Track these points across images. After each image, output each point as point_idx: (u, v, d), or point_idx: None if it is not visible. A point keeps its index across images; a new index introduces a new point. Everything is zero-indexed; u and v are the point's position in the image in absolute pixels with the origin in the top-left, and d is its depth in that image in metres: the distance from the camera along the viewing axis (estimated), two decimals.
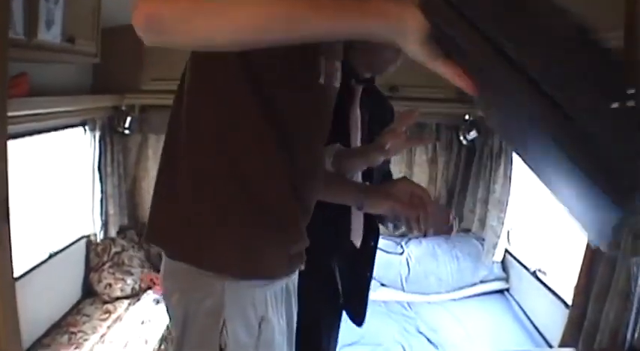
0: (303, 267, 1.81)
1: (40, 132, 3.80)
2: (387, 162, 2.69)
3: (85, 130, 4.47)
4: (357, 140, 2.57)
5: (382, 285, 4.80)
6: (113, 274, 4.62)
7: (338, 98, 1.92)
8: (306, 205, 1.73)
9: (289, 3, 1.16)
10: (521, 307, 4.51)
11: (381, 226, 2.55)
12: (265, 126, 1.54)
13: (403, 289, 4.80)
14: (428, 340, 3.96)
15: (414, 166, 5.27)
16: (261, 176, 1.56)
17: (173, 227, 1.65)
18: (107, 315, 4.31)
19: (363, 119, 2.58)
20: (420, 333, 4.02)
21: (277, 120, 1.54)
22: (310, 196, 1.73)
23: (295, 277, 1.85)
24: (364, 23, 1.15)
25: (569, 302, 3.11)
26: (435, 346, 3.92)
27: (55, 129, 4.05)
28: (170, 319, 1.77)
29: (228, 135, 1.55)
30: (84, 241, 4.69)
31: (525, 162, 1.16)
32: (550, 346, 3.72)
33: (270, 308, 1.69)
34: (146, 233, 1.74)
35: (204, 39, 1.25)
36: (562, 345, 3.00)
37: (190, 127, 1.59)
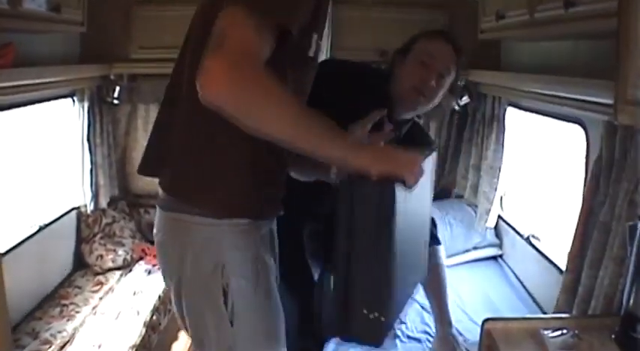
0: (282, 212, 2.10)
1: (27, 104, 3.76)
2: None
3: (74, 100, 4.44)
4: None
5: None
6: (104, 245, 4.62)
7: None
8: (283, 160, 2.04)
9: (316, 134, 1.70)
10: (514, 274, 4.50)
11: None
12: None
13: None
14: (421, 306, 3.95)
15: None
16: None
17: (187, 181, 1.95)
18: (99, 286, 4.32)
19: None
20: (414, 300, 4.00)
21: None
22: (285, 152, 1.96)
23: (274, 224, 2.17)
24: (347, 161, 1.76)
25: (563, 268, 3.09)
26: (429, 313, 3.91)
27: (43, 100, 4.01)
28: (166, 272, 2.12)
29: None
30: (74, 212, 4.67)
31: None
32: (544, 313, 3.72)
33: (262, 248, 2.04)
34: (166, 184, 2.02)
35: (251, 129, 1.65)
36: (556, 311, 2.99)
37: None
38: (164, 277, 2.19)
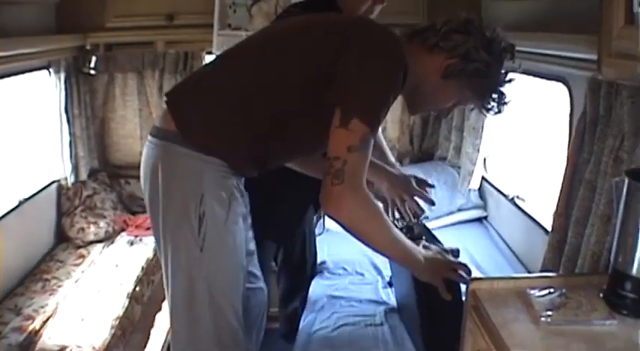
0: (255, 174, 2.53)
1: (2, 76, 3.71)
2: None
3: (50, 72, 4.36)
4: None
5: None
6: (85, 218, 4.57)
7: None
8: (269, 164, 2.53)
9: (399, 255, 2.41)
10: (500, 235, 4.49)
11: None
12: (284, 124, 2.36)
13: None
14: None
15: None
16: (265, 136, 2.38)
17: (203, 127, 2.35)
18: (81, 260, 4.29)
19: None
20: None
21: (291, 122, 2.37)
22: (275, 162, 2.57)
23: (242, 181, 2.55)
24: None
25: (549, 229, 3.08)
26: None
27: (19, 72, 3.96)
28: (153, 198, 2.40)
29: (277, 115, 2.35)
30: (54, 185, 4.64)
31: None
32: (531, 273, 3.71)
33: (235, 191, 2.42)
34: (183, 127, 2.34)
35: (361, 239, 2.29)
36: (543, 270, 2.98)
37: (269, 95, 2.33)
38: (150, 204, 2.45)
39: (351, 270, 4.12)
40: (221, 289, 2.43)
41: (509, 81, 2.42)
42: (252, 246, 2.76)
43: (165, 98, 2.48)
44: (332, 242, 4.35)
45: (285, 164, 2.79)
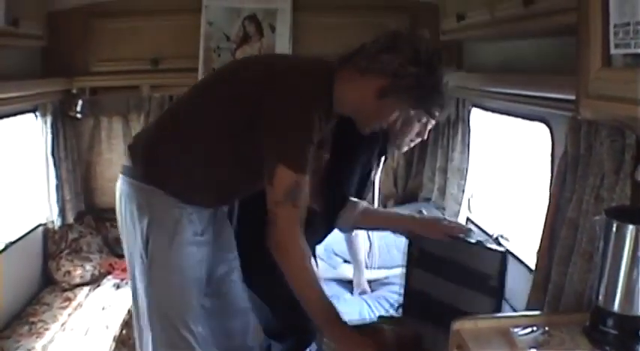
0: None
1: None
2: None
3: (37, 115, 4.39)
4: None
5: (345, 261, 4.75)
6: (72, 261, 4.58)
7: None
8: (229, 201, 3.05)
9: (323, 308, 2.58)
10: None
11: None
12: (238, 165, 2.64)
13: (366, 266, 4.75)
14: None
15: None
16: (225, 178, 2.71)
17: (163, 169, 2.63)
18: (67, 302, 4.27)
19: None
20: (392, 305, 4.00)
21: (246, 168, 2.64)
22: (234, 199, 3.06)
23: (224, 210, 3.02)
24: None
25: (533, 267, 3.10)
26: None
27: (5, 116, 3.97)
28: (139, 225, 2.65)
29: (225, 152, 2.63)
30: (41, 229, 4.62)
31: None
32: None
33: (186, 221, 2.66)
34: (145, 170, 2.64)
35: (288, 277, 2.52)
36: (528, 309, 2.99)
37: (208, 128, 2.60)
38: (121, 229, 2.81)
39: None
40: (169, 302, 2.72)
41: (443, 82, 2.54)
42: (222, 270, 3.04)
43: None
44: None
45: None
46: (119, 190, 2.72)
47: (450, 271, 2.98)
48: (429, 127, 3.22)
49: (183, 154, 2.64)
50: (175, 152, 2.64)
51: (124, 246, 2.82)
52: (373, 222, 3.24)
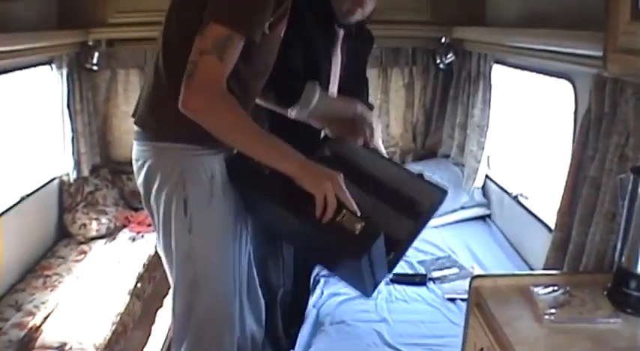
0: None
1: (4, 72, 3.69)
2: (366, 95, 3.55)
3: (52, 67, 4.36)
4: (335, 80, 3.27)
5: None
6: (87, 214, 4.57)
7: (324, 41, 3.12)
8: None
9: (269, 150, 2.24)
10: (503, 233, 4.48)
11: None
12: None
13: None
14: (411, 266, 3.92)
15: (390, 92, 5.19)
16: None
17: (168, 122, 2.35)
18: (82, 256, 4.28)
19: (345, 59, 3.27)
20: (406, 261, 3.97)
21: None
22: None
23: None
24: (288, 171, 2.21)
25: (552, 227, 3.06)
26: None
27: (21, 68, 3.94)
28: (145, 195, 2.52)
29: None
30: (56, 181, 4.64)
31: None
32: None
33: (217, 169, 2.47)
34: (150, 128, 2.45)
35: (223, 136, 2.22)
36: (546, 269, 2.96)
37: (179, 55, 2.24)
38: (144, 200, 2.56)
39: None
40: (213, 270, 2.55)
41: None
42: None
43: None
44: None
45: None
46: (136, 157, 2.53)
47: (370, 184, 2.74)
48: None
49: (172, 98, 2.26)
50: (169, 101, 2.26)
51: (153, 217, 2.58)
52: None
